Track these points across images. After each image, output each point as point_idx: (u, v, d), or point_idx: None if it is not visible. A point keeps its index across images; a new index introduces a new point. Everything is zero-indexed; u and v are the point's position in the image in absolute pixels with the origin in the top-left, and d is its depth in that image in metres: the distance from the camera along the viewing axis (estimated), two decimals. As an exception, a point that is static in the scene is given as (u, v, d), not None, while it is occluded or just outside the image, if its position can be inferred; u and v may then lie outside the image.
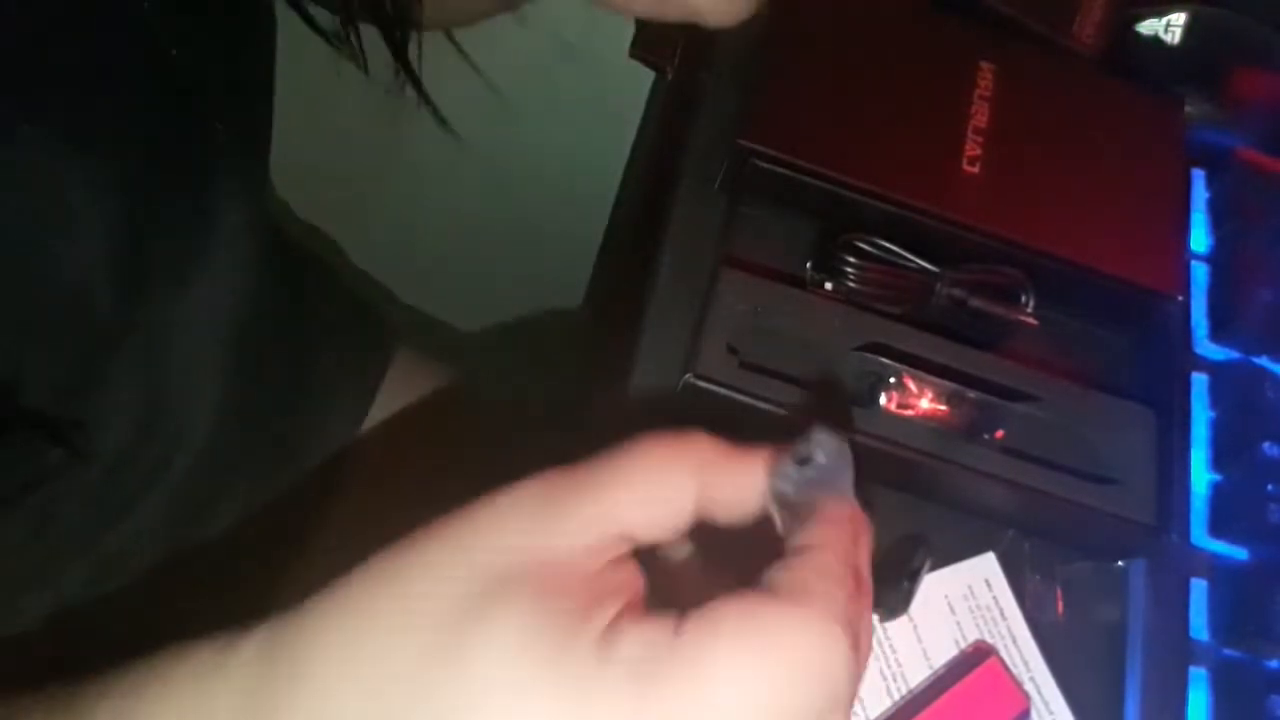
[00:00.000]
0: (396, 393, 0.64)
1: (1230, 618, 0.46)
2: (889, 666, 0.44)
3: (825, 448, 0.32)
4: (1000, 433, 0.46)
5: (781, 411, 0.44)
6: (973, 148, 0.50)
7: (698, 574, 0.34)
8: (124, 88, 0.38)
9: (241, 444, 0.52)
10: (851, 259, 0.47)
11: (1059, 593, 0.47)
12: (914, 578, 0.42)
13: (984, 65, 0.52)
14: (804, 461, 0.32)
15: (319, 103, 0.67)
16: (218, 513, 0.52)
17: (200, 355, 0.47)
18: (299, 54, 0.49)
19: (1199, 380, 0.51)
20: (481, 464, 0.57)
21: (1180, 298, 0.50)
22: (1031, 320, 0.48)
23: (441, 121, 0.52)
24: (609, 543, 0.29)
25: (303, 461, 0.59)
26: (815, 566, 0.29)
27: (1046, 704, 0.45)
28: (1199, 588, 0.47)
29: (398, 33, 0.48)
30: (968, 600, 0.46)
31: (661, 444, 0.30)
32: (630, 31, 0.57)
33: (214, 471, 0.50)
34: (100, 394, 0.41)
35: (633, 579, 0.30)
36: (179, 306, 0.44)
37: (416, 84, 0.50)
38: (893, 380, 0.45)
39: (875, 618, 0.31)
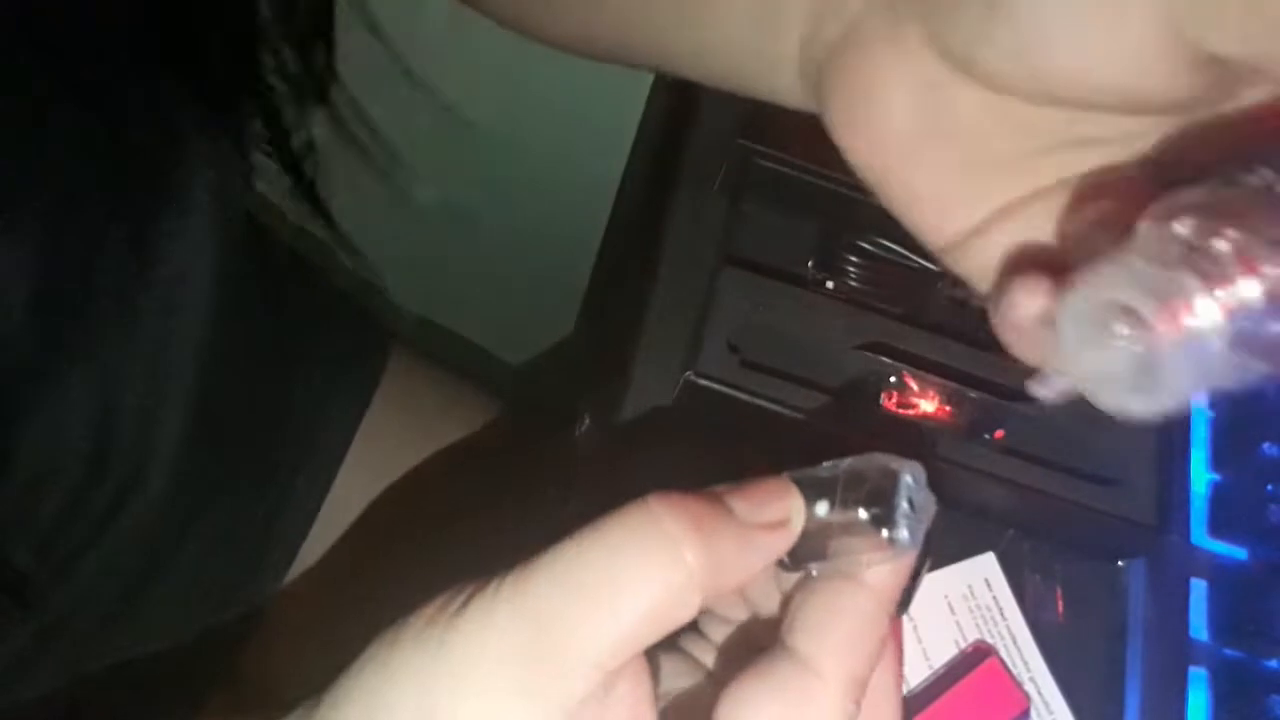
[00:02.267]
0: (393, 395, 0.64)
1: (1230, 618, 0.46)
2: (889, 666, 0.44)
3: (917, 494, 0.26)
4: (1000, 432, 0.46)
5: (783, 410, 0.44)
6: (973, 147, 0.50)
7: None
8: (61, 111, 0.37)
9: (217, 469, 0.50)
10: (853, 258, 0.47)
11: (1059, 593, 0.47)
12: (914, 578, 0.41)
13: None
14: (876, 502, 0.26)
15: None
16: (185, 546, 0.51)
17: (162, 384, 0.45)
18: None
19: (1199, 380, 0.51)
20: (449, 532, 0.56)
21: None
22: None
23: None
24: (610, 672, 0.24)
25: (295, 476, 0.58)
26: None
27: (1046, 704, 0.45)
28: (1199, 588, 0.47)
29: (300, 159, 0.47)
30: (968, 600, 0.46)
31: (645, 516, 0.25)
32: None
33: (183, 500, 0.48)
34: (24, 425, 0.40)
35: (635, 687, 0.26)
36: (127, 335, 0.42)
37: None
38: (893, 379, 0.46)
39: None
